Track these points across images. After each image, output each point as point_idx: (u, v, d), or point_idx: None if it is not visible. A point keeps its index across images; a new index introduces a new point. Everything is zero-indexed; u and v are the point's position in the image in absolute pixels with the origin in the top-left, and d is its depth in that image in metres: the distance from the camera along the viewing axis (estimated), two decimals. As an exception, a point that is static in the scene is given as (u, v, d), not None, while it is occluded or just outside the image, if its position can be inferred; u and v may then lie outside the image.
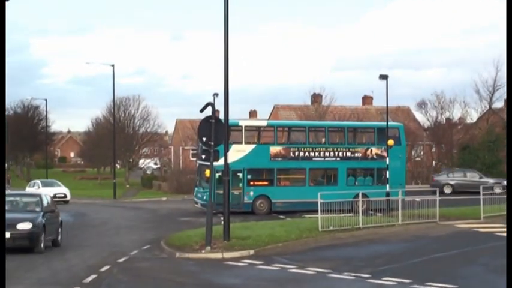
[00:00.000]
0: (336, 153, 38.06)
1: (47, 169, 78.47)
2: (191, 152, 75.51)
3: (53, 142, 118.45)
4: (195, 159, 58.48)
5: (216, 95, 45.55)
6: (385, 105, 38.15)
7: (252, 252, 20.96)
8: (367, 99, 78.26)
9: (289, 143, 38.48)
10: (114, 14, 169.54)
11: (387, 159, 36.93)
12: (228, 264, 19.21)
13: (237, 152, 35.32)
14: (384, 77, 36.46)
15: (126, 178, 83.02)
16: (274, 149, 37.04)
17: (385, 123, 38.04)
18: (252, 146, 37.02)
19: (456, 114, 73.97)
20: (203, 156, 32.86)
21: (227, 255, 20.47)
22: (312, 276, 17.02)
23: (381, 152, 37.83)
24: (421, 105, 73.93)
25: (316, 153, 37.78)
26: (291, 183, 37.58)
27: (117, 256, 20.47)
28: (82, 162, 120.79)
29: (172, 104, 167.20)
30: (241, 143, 36.40)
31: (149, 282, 16.43)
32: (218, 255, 20.46)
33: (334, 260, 19.54)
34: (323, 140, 39.42)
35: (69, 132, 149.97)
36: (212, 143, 21.81)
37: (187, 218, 34.98)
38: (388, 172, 36.36)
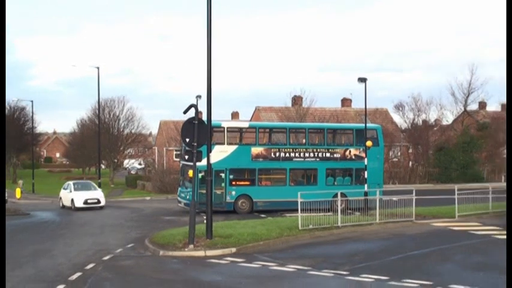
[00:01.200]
0: (316, 153, 38.15)
1: (33, 169, 78.03)
2: (175, 152, 75.42)
3: (39, 143, 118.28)
4: (178, 159, 58.44)
5: (199, 97, 45.36)
6: (364, 107, 38.29)
7: (234, 250, 20.99)
8: (346, 102, 78.56)
9: (270, 144, 38.51)
10: (101, 14, 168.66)
11: (365, 159, 37.06)
12: (211, 262, 19.23)
13: (220, 153, 35.35)
14: (362, 80, 36.55)
15: (111, 178, 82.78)
16: (256, 150, 37.07)
17: (364, 124, 38.18)
18: (234, 147, 37.03)
19: (432, 116, 74.42)
20: (186, 157, 32.89)
21: (210, 253, 20.50)
22: (293, 274, 17.08)
23: (360, 152, 37.97)
24: (399, 107, 74.27)
25: (297, 154, 37.84)
26: (272, 183, 37.60)
27: (102, 254, 20.46)
28: (67, 163, 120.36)
29: (156, 105, 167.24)
30: (223, 143, 36.42)
31: (133, 279, 16.42)
32: (201, 253, 20.48)
33: (314, 257, 19.58)
34: (303, 141, 39.52)
35: (55, 133, 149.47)
36: (195, 144, 21.82)
37: (171, 217, 34.94)
38: (366, 172, 36.48)
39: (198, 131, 21.75)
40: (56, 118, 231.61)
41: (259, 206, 36.18)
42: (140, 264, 18.96)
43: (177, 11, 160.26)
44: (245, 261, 19.01)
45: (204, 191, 34.73)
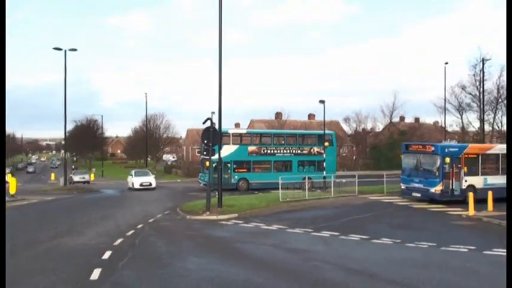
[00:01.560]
0: (291, 151, 38.15)
1: (102, 161, 78.08)
2: (197, 150, 75.02)
3: (106, 143, 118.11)
4: (199, 154, 58.31)
5: (213, 112, 45.16)
6: (323, 119, 38.33)
7: (236, 215, 20.94)
8: (311, 116, 78.62)
9: (260, 144, 38.42)
10: (145, 57, 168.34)
11: (324, 155, 37.18)
12: (221, 223, 19.20)
13: (227, 150, 35.28)
14: (322, 101, 36.73)
15: (154, 167, 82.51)
16: (251, 148, 37.12)
17: (323, 131, 38.24)
18: (237, 146, 37.01)
19: (369, 126, 74.67)
20: (204, 153, 32.96)
21: (220, 217, 20.44)
22: (276, 231, 17.04)
23: (320, 150, 38.04)
24: (346, 119, 74.52)
25: (278, 151, 37.84)
26: (261, 170, 37.46)
27: (148, 218, 20.39)
28: (125, 157, 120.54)
29: (184, 118, 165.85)
30: (229, 144, 36.37)
31: (169, 234, 16.38)
32: (214, 217, 20.41)
33: (290, 220, 19.54)
34: (283, 142, 39.47)
35: (117, 137, 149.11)
36: (210, 144, 21.83)
37: (194, 193, 34.80)
38: (325, 163, 36.56)
39: (212, 136, 21.72)
40: (118, 126, 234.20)
41: (253, 185, 36.19)
42: (173, 225, 18.90)
43: (196, 66, 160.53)
44: (244, 223, 18.98)
45: (216, 176, 35.09)
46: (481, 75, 49.21)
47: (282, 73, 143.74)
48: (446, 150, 25.02)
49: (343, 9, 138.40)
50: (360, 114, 73.75)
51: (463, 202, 23.53)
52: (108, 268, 10.72)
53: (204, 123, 22.56)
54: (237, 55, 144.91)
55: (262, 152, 37.42)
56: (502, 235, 16.05)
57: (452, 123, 65.36)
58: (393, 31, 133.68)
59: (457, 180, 24.90)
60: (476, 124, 61.33)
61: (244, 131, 43.65)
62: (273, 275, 10.43)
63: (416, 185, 25.52)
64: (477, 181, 25.45)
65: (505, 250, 12.89)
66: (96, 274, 10.11)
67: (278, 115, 72.18)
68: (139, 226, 17.79)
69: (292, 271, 10.85)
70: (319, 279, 10.08)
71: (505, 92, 61.28)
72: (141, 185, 39.85)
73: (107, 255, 12.18)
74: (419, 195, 25.52)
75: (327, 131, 38.85)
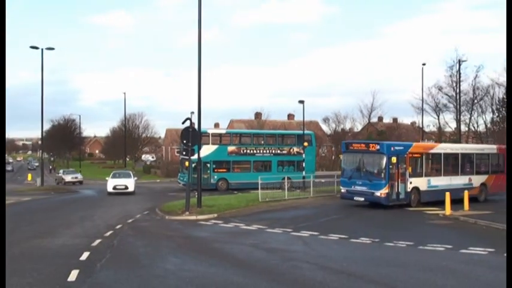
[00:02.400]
0: (271, 151, 38.24)
1: (80, 161, 77.26)
2: (176, 150, 74.99)
3: (84, 143, 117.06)
4: (178, 155, 58.16)
5: (192, 112, 45.00)
6: (302, 120, 38.45)
7: (215, 215, 20.91)
8: (290, 116, 78.85)
9: (240, 144, 38.40)
10: (128, 58, 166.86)
11: (303, 155, 37.28)
12: (200, 223, 19.14)
13: (207, 150, 35.22)
14: (301, 101, 36.77)
15: (133, 167, 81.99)
16: (230, 148, 37.10)
17: (303, 131, 38.36)
18: (216, 146, 36.96)
19: (347, 126, 75.14)
20: (184, 153, 32.65)
21: (199, 217, 20.39)
22: (255, 231, 17.05)
23: (300, 150, 38.18)
24: (325, 120, 74.93)
25: (258, 151, 37.89)
26: (241, 170, 37.46)
27: (127, 218, 20.23)
28: (103, 157, 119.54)
29: (164, 118, 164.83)
30: (209, 144, 36.28)
31: (148, 235, 16.26)
32: (193, 217, 20.35)
33: (269, 220, 19.55)
34: (262, 142, 39.52)
35: (95, 136, 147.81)
36: (190, 144, 21.71)
37: (174, 193, 34.66)
38: (304, 163, 36.66)
39: (191, 136, 21.62)
40: (97, 126, 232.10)
41: (233, 185, 36.18)
42: (153, 225, 18.78)
43: (177, 62, 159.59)
44: (223, 223, 18.95)
45: (195, 176, 34.90)
46: (458, 76, 49.93)
47: (262, 73, 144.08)
48: (392, 149, 23.10)
49: (322, 10, 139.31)
50: (339, 114, 74.42)
51: (408, 206, 23.15)
52: (86, 269, 10.59)
53: (183, 123, 22.48)
54: (218, 55, 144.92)
55: (241, 152, 37.40)
56: (478, 234, 16.32)
57: (429, 123, 66.26)
58: (372, 32, 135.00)
59: (402, 182, 23.15)
60: (453, 124, 62.21)
61: (223, 131, 43.65)
62: (252, 275, 10.42)
63: (359, 188, 23.33)
64: (421, 183, 23.98)
65: (481, 249, 13.10)
66: (73, 275, 9.98)
67: (258, 115, 72.31)
68: (118, 227, 17.63)
69: (272, 271, 10.85)
70: (298, 278, 10.10)
71: (480, 93, 62.39)
72: (114, 188, 34.46)
73: (84, 256, 12.03)
74: (362, 199, 23.41)
75: (306, 131, 39.00)
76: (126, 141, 64.19)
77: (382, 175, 22.50)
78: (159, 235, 16.20)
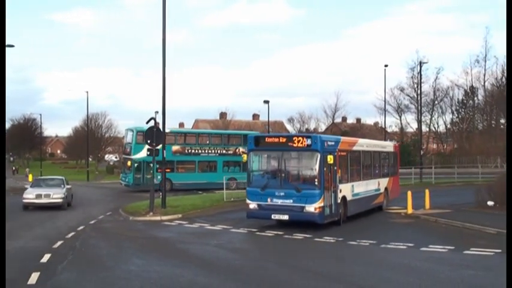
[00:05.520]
0: (216, 151, 37.58)
1: (41, 161, 75.66)
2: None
3: (45, 143, 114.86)
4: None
5: (156, 112, 44.63)
6: (267, 120, 38.56)
7: (180, 215, 20.79)
8: (255, 116, 78.98)
9: (185, 144, 37.61)
10: (94, 57, 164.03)
11: None
12: (165, 224, 19.01)
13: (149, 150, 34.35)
14: (266, 101, 37.00)
15: (96, 167, 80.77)
16: (174, 148, 35.84)
17: (248, 132, 37.99)
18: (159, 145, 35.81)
19: (312, 126, 75.82)
20: (127, 151, 32.70)
21: (164, 218, 20.24)
22: (220, 231, 17.04)
23: (246, 150, 37.37)
24: (290, 120, 75.45)
25: (203, 151, 37.14)
26: (186, 170, 36.47)
27: (89, 219, 19.91)
28: (65, 157, 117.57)
29: (128, 117, 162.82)
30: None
31: (111, 236, 16.07)
32: (158, 218, 20.18)
33: (234, 220, 19.48)
34: (207, 142, 38.71)
35: (56, 136, 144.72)
36: (154, 144, 21.66)
37: (137, 194, 34.23)
38: None
39: (156, 136, 21.49)
40: (58, 126, 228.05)
41: (177, 186, 34.68)
42: (116, 226, 18.54)
43: (144, 63, 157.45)
44: (188, 223, 18.86)
45: (139, 176, 34.68)
46: (419, 78, 51.03)
47: (228, 74, 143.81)
48: (326, 144, 16.75)
49: (290, 13, 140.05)
50: (303, 114, 75.00)
51: (337, 223, 17.12)
52: (46, 272, 10.39)
53: (147, 122, 22.36)
54: (183, 55, 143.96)
55: (186, 151, 36.68)
56: (438, 232, 16.69)
57: (392, 124, 67.54)
58: (337, 34, 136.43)
59: (334, 190, 16.93)
60: (414, 125, 63.63)
61: (167, 130, 43.10)
62: (217, 275, 10.40)
63: (280, 202, 16.34)
64: (347, 191, 18.10)
65: (441, 247, 13.40)
66: (34, 278, 9.77)
67: (223, 115, 72.15)
68: (80, 228, 17.34)
69: (237, 271, 10.85)
70: (264, 278, 10.13)
71: (440, 95, 63.94)
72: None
73: (45, 258, 11.80)
74: (286, 217, 16.32)
75: (253, 132, 38.47)
76: (89, 141, 63.14)
77: (316, 181, 16.01)
78: (122, 236, 16.01)
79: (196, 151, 36.80)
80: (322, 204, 15.97)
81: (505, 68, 52.64)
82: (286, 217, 16.31)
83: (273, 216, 16.59)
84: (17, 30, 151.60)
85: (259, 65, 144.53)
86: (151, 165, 34.95)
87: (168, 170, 35.68)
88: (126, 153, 37.08)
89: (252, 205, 17.08)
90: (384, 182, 22.03)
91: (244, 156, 17.30)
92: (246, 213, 17.38)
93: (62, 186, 25.50)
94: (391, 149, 24.21)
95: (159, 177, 35.26)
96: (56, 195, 24.00)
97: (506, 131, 21.25)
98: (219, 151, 37.70)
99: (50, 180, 27.16)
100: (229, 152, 38.13)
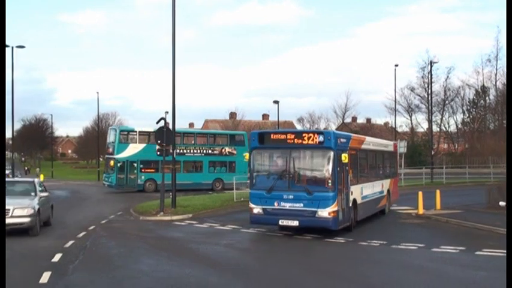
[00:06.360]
0: (202, 151, 37.19)
1: (52, 161, 76.22)
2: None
3: (56, 143, 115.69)
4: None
5: (166, 112, 44.65)
6: (277, 120, 38.56)
7: (190, 215, 20.82)
8: (265, 116, 78.99)
9: None
10: (104, 57, 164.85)
11: (235, 155, 36.82)
12: (175, 224, 19.03)
13: (133, 149, 33.87)
14: (276, 102, 36.97)
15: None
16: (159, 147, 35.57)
17: (236, 131, 37.72)
18: (144, 145, 35.23)
19: (322, 126, 75.51)
20: (110, 151, 33.88)
21: (174, 217, 20.28)
22: (230, 231, 17.02)
23: (232, 150, 37.34)
24: (300, 120, 75.27)
25: (188, 151, 36.67)
26: (170, 170, 36.34)
27: (100, 219, 19.99)
28: (76, 156, 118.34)
29: (138, 117, 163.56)
30: (136, 142, 35.03)
31: (122, 235, 16.11)
32: (168, 218, 20.23)
33: (244, 220, 19.29)
34: (193, 142, 38.18)
35: (67, 136, 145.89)
36: (164, 144, 21.74)
37: (148, 194, 34.32)
38: (235, 164, 36.28)
39: (166, 136, 21.53)
40: (70, 126, 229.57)
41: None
42: (126, 226, 18.59)
43: (153, 62, 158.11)
44: (198, 223, 18.87)
45: (122, 176, 34.21)
46: (429, 78, 50.71)
47: (238, 74, 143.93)
48: (339, 141, 15.30)
49: (300, 13, 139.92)
50: (313, 114, 74.66)
51: (348, 229, 15.80)
52: (58, 271, 10.44)
53: (157, 122, 22.45)
54: (194, 55, 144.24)
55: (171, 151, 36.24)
56: (449, 233, 16.58)
57: (402, 123, 67.17)
58: (346, 33, 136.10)
59: (346, 192, 15.65)
60: (425, 125, 63.22)
61: (152, 129, 42.87)
62: (227, 275, 10.40)
63: (289, 206, 14.87)
64: (358, 193, 16.83)
65: (452, 247, 13.31)
66: (45, 277, 9.83)
67: (232, 115, 72.14)
68: (91, 228, 17.42)
69: (247, 270, 10.85)
70: (274, 278, 10.12)
71: (451, 94, 63.52)
72: None
73: (57, 257, 11.86)
74: (295, 223, 14.88)
75: (238, 131, 38.11)
76: (99, 141, 63.41)
77: (330, 183, 14.57)
78: (132, 236, 16.05)
79: (182, 151, 35.43)
80: (336, 209, 14.54)
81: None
82: (295, 223, 14.83)
83: (280, 222, 15.14)
84: (28, 31, 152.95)
85: (269, 64, 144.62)
86: (135, 164, 34.86)
87: (153, 170, 35.10)
88: (109, 152, 36.35)
89: (256, 209, 15.43)
90: (386, 184, 21.05)
91: (246, 155, 15.85)
92: (250, 218, 15.83)
93: (32, 194, 16.31)
94: (392, 149, 23.07)
95: (143, 177, 35.02)
96: (19, 211, 14.64)
97: (506, 131, 20.47)
98: (204, 151, 37.24)
99: (11, 184, 16.99)
100: (215, 152, 37.65)
